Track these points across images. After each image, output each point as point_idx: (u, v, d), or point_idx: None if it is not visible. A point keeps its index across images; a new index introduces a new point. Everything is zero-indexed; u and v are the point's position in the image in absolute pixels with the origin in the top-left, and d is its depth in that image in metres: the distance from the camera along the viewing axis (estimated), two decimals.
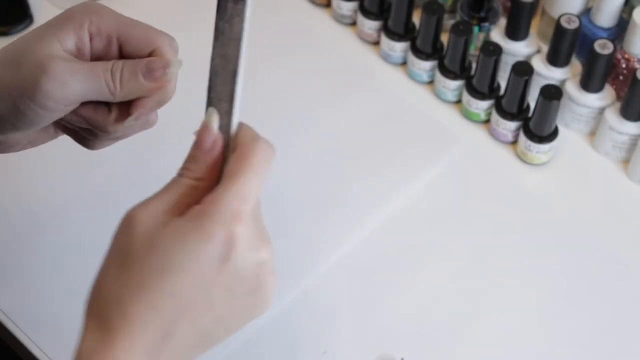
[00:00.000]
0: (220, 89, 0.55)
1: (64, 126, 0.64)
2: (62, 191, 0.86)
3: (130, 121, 0.61)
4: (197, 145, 0.54)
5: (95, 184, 0.87)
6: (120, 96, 0.60)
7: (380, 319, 0.80)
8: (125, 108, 0.61)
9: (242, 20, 0.55)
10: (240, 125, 0.55)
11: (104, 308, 0.51)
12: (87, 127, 0.62)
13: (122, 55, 0.61)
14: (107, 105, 0.61)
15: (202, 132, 0.54)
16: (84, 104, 0.60)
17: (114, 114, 0.61)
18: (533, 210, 0.87)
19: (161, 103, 0.61)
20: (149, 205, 0.53)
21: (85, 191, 0.86)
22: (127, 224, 0.52)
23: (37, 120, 0.59)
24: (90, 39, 0.60)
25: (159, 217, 0.52)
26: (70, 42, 0.59)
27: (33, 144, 0.65)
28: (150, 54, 0.61)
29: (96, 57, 0.61)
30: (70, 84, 0.58)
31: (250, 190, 0.52)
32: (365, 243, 0.84)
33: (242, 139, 0.54)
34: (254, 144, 0.53)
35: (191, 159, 0.54)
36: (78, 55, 0.60)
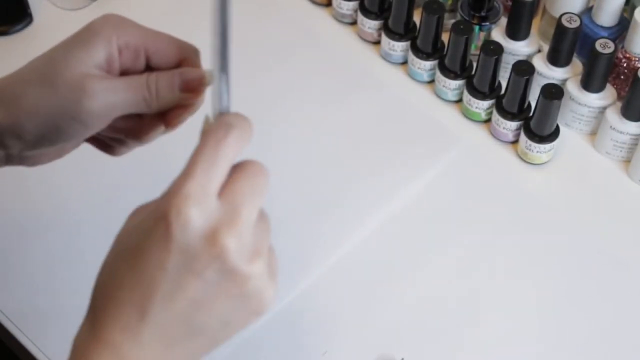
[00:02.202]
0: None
1: (92, 139, 0.65)
2: (63, 191, 0.86)
3: (168, 131, 0.64)
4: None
5: (97, 184, 0.86)
6: (156, 108, 0.62)
7: (380, 319, 0.80)
8: (158, 116, 0.63)
9: None
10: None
11: (93, 300, 0.53)
12: (120, 137, 0.65)
13: (150, 66, 0.63)
14: (139, 114, 0.63)
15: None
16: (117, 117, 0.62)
17: (147, 123, 0.64)
18: (533, 210, 0.87)
19: (193, 112, 0.63)
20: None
21: (87, 191, 0.86)
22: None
23: (77, 135, 0.61)
24: (119, 53, 0.61)
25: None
26: (100, 58, 0.61)
27: (60, 155, 0.66)
28: (177, 65, 0.63)
29: (124, 71, 0.62)
30: (111, 101, 0.60)
31: (203, 174, 0.50)
32: (365, 243, 0.84)
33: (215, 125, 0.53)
34: (214, 130, 0.52)
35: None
36: (108, 70, 0.61)
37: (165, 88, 0.61)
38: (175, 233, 0.49)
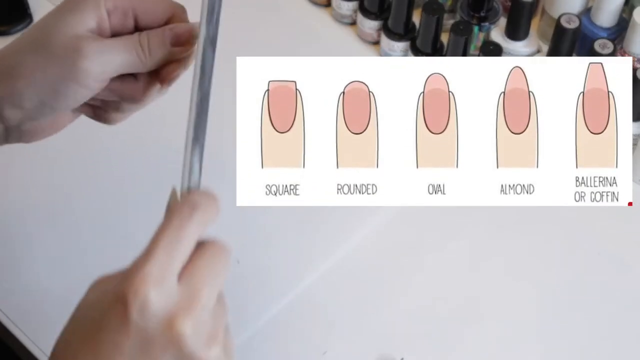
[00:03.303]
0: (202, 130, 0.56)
1: (85, 104, 0.65)
2: (63, 191, 0.86)
3: (164, 90, 0.64)
4: None
5: (99, 185, 0.86)
6: (150, 65, 0.62)
7: (380, 319, 0.80)
8: (152, 75, 0.64)
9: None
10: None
11: None
12: (116, 99, 0.65)
13: (138, 27, 0.64)
14: (134, 75, 0.64)
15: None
16: (114, 78, 0.63)
17: (142, 82, 0.64)
18: (533, 210, 0.87)
19: (186, 66, 0.63)
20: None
21: (86, 191, 0.86)
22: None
23: (76, 99, 0.62)
24: (108, 16, 0.62)
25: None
26: (91, 22, 0.61)
27: (57, 129, 0.66)
28: (166, 23, 0.64)
29: (115, 33, 0.63)
30: (106, 60, 0.61)
31: (164, 255, 0.50)
32: (365, 242, 0.84)
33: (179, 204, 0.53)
34: (178, 210, 0.52)
35: None
36: (99, 32, 0.62)
37: (157, 44, 0.62)
38: (132, 315, 0.48)
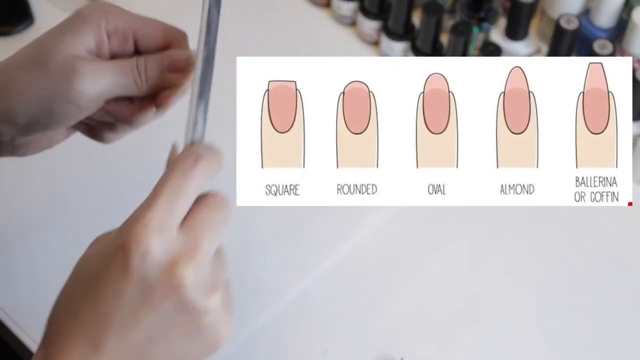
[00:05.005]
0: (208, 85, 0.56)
1: (80, 122, 0.65)
2: (64, 191, 0.86)
3: (159, 114, 0.64)
4: None
5: (99, 184, 0.87)
6: (146, 90, 0.62)
7: (380, 319, 0.80)
8: (148, 99, 0.64)
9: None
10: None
11: (48, 327, 0.52)
12: (111, 120, 0.65)
13: (138, 51, 0.64)
14: (130, 97, 0.64)
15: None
16: (109, 99, 0.62)
17: (138, 105, 0.64)
18: (533, 210, 0.87)
19: (183, 93, 0.63)
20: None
21: (87, 191, 0.86)
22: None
23: (69, 118, 0.61)
24: (108, 38, 0.62)
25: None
26: (90, 42, 0.61)
27: (50, 145, 0.66)
28: (165, 48, 0.64)
29: (114, 55, 0.63)
30: (102, 82, 0.60)
31: (166, 204, 0.50)
32: (365, 242, 0.84)
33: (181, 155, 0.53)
34: (182, 159, 0.52)
35: None
36: (98, 54, 0.62)
37: (154, 69, 0.62)
38: (133, 263, 0.49)
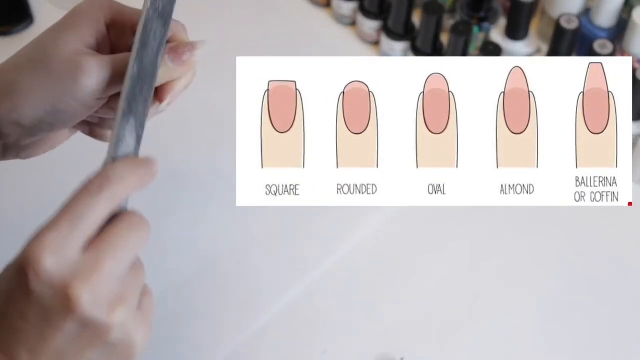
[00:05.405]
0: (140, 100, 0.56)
1: (82, 122, 0.65)
2: (63, 191, 0.86)
3: (163, 106, 0.62)
4: None
5: None
6: None
7: (380, 319, 0.80)
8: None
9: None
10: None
11: None
12: (113, 117, 0.64)
13: None
14: None
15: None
16: (113, 95, 0.62)
17: None
18: (533, 210, 0.87)
19: (187, 86, 0.63)
20: None
21: None
22: None
23: (75, 116, 0.61)
24: (108, 32, 0.62)
25: None
26: (90, 38, 0.61)
27: (53, 146, 0.66)
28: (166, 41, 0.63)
29: (115, 48, 0.63)
30: (105, 76, 0.60)
31: (66, 226, 0.50)
32: (365, 242, 0.84)
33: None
34: (90, 181, 0.53)
35: None
36: (99, 49, 0.62)
37: None
38: (31, 283, 0.49)
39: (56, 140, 0.66)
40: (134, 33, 0.62)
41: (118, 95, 0.62)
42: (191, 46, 0.62)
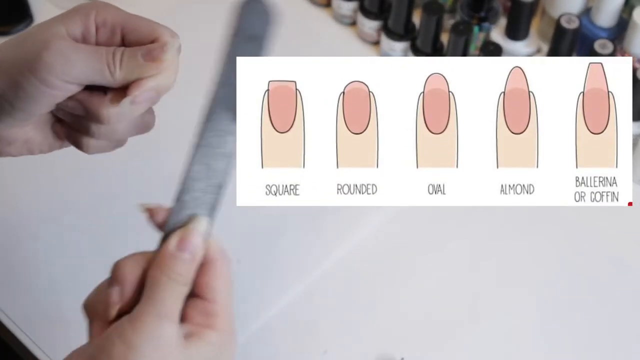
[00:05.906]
0: (199, 196, 0.57)
1: (60, 127, 0.64)
2: (66, 193, 0.86)
3: (126, 102, 0.61)
4: (186, 248, 0.57)
5: (100, 187, 0.87)
6: (119, 77, 0.61)
7: (380, 319, 0.80)
8: (121, 93, 0.62)
9: (234, 140, 0.58)
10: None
11: None
12: (83, 114, 0.63)
13: (125, 45, 0.63)
14: (104, 92, 0.62)
15: (192, 237, 0.57)
16: (82, 89, 0.61)
17: (109, 95, 0.62)
18: (533, 210, 0.87)
19: (160, 90, 0.62)
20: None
21: (90, 194, 0.86)
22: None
23: (37, 97, 0.60)
24: (96, 30, 0.62)
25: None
26: (77, 30, 0.61)
27: (28, 145, 0.65)
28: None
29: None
30: (72, 60, 0.59)
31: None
32: (365, 242, 0.84)
33: (212, 254, 0.57)
34: (222, 262, 0.57)
35: (180, 262, 0.56)
36: (83, 42, 0.62)
37: (129, 57, 0.61)
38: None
39: (31, 139, 0.65)
40: (123, 35, 0.62)
41: (87, 89, 0.62)
42: (163, 43, 0.61)
